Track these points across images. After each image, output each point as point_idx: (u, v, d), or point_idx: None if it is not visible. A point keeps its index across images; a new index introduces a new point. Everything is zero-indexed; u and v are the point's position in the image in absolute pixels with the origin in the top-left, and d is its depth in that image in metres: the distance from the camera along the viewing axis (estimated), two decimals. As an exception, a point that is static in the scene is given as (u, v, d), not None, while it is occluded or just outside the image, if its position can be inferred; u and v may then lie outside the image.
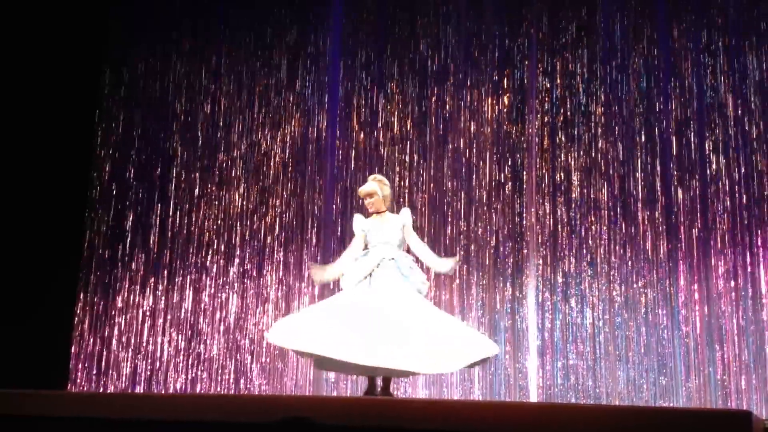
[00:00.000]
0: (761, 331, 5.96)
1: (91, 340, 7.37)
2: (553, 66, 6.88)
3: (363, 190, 5.20)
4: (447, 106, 7.08)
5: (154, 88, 7.81)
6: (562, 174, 6.68)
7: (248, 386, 7.00)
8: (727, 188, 6.25)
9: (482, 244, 6.73)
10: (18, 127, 7.33)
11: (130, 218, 7.63)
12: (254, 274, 7.23)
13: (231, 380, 7.05)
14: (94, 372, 7.30)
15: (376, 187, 5.14)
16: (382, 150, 7.13)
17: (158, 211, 7.58)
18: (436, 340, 4.53)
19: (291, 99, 7.50)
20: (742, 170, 6.25)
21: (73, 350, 7.36)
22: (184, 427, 3.82)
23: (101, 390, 7.19)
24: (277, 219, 7.28)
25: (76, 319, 7.43)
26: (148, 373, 7.22)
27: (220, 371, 7.10)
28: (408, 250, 5.13)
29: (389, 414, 3.67)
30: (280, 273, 7.17)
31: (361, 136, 7.22)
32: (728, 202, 6.23)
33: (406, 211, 5.14)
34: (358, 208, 5.90)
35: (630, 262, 6.38)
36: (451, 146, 6.98)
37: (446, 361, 4.55)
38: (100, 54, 7.90)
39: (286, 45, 7.60)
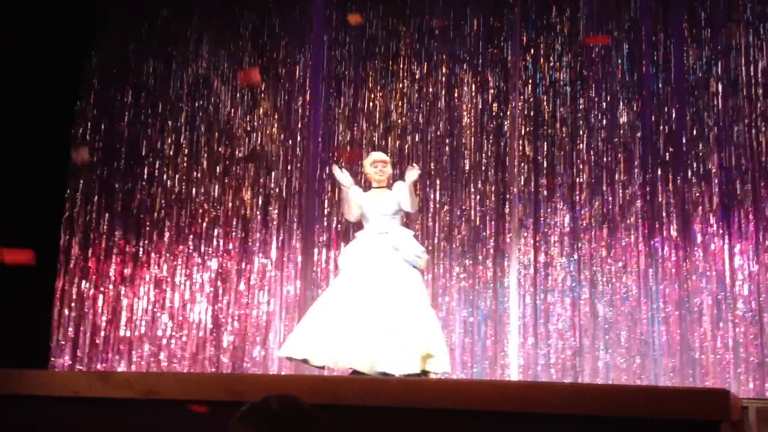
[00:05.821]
0: (738, 311, 6.02)
1: (72, 318, 7.30)
2: (536, 45, 6.86)
3: (382, 156, 5.19)
4: (429, 85, 7.05)
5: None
6: (545, 154, 6.68)
7: (236, 366, 6.97)
8: (711, 170, 6.27)
9: (464, 224, 6.73)
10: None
11: (115, 189, 7.43)
12: (241, 252, 7.17)
13: (215, 360, 7.02)
14: (76, 350, 7.24)
15: (388, 159, 5.23)
16: (364, 128, 7.10)
17: (144, 182, 7.43)
18: (397, 340, 4.59)
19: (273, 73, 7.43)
20: (731, 150, 6.25)
21: (54, 328, 7.28)
22: (166, 404, 3.83)
23: (82, 368, 7.15)
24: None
25: (57, 294, 7.33)
26: (132, 351, 7.16)
27: (203, 350, 7.06)
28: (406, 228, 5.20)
29: (372, 392, 3.69)
30: (270, 254, 7.14)
31: (342, 113, 7.18)
32: (709, 184, 6.26)
33: (399, 184, 5.09)
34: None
35: (611, 243, 6.41)
36: (433, 126, 6.96)
37: (395, 363, 4.56)
38: (84, 34, 7.71)
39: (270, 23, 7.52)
